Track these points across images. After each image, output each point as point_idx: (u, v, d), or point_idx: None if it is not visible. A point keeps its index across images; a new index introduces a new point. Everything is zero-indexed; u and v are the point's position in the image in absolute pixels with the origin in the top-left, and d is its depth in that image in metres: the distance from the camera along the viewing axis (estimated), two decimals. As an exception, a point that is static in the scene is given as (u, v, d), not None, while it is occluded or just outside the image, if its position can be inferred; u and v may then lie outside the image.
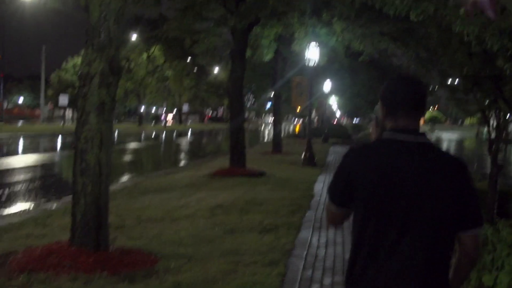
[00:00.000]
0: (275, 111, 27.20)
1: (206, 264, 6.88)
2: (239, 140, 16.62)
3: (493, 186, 8.90)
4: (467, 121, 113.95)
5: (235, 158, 16.68)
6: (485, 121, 8.92)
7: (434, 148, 2.44)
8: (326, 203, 2.67)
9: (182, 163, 24.87)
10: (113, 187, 14.39)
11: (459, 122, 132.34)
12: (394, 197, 2.36)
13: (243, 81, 16.69)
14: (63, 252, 6.73)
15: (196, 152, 33.59)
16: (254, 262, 7.00)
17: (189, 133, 62.16)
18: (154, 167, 22.64)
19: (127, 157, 28.51)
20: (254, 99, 26.24)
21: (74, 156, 6.87)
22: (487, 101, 8.81)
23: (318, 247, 8.09)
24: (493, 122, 9.22)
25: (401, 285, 2.34)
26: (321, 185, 15.26)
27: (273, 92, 26.84)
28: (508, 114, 8.73)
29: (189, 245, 7.86)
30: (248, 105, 26.61)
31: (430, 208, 2.34)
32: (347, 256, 7.55)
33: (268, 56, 19.91)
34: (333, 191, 2.58)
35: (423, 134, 2.45)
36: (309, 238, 8.67)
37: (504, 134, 8.71)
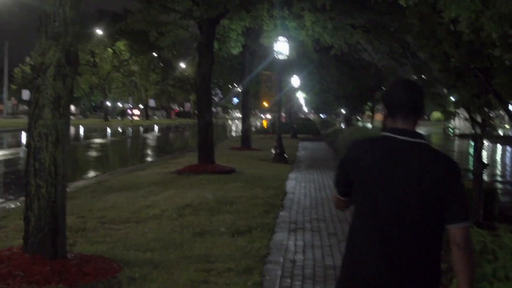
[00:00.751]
0: (243, 106, 26.57)
1: (175, 273, 6.23)
2: (207, 136, 15.96)
3: (478, 185, 8.43)
4: (433, 116, 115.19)
5: (204, 154, 16.02)
6: (469, 115, 8.43)
7: (429, 147, 2.66)
8: (333, 191, 2.95)
9: (149, 159, 24.05)
10: (75, 186, 13.65)
11: (426, 117, 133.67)
12: (388, 190, 2.58)
13: (211, 75, 16.02)
14: (15, 260, 6.02)
15: (164, 148, 32.79)
16: (227, 270, 6.37)
17: (155, 129, 61.12)
18: (120, 164, 21.81)
19: (92, 153, 27.57)
20: (222, 95, 25.49)
21: (26, 155, 6.15)
22: (472, 95, 8.32)
23: (295, 251, 7.50)
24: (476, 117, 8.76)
25: (392, 275, 2.53)
26: (293, 182, 14.70)
27: (241, 87, 26.30)
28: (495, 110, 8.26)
29: (155, 250, 7.20)
30: (216, 100, 25.94)
31: (420, 202, 2.54)
32: (327, 262, 7.00)
33: (235, 50, 19.26)
34: (337, 182, 2.88)
35: (420, 135, 2.66)
36: (285, 241, 8.08)
37: (488, 130, 8.23)
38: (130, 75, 67.45)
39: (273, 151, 20.45)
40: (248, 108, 26.44)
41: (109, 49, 63.52)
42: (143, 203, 10.62)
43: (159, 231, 8.31)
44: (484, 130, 8.45)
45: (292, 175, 16.34)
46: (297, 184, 14.40)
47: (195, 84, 16.33)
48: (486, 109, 8.21)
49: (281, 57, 19.49)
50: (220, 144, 30.94)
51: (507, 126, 65.93)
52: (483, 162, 8.42)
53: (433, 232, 2.57)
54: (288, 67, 29.05)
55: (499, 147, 44.33)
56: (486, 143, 42.76)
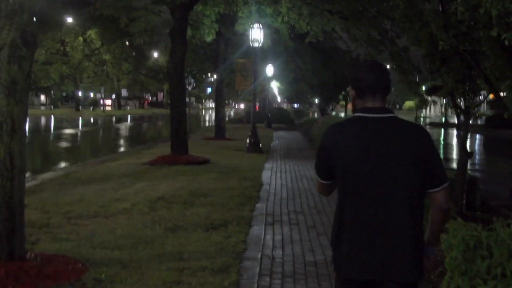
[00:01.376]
0: (217, 95, 26.02)
1: (145, 273, 5.74)
2: (180, 125, 15.42)
3: (461, 176, 8.07)
4: (406, 105, 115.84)
5: (177, 145, 15.49)
6: (453, 103, 8.06)
7: (400, 120, 2.82)
8: (315, 176, 3.03)
9: (121, 150, 23.38)
10: (42, 178, 13.05)
11: (397, 107, 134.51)
12: (368, 165, 2.71)
13: (184, 63, 15.46)
14: (-32, 262, 5.47)
15: (136, 138, 32.11)
16: (202, 269, 5.91)
17: (128, 119, 60.23)
18: (91, 155, 21.15)
19: (62, 144, 26.82)
20: (195, 83, 24.88)
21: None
22: (456, 81, 7.94)
23: (273, 246, 7.05)
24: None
25: (381, 244, 2.69)
26: (269, 173, 14.26)
27: (215, 76, 25.76)
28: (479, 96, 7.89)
29: (125, 247, 6.70)
30: (190, 89, 25.30)
31: (401, 171, 2.69)
32: (308, 257, 6.56)
33: (209, 37, 18.68)
34: (318, 168, 2.96)
35: (389, 110, 2.82)
36: (263, 235, 7.63)
37: (472, 119, 7.87)
38: (102, 64, 66.25)
39: (248, 141, 19.96)
40: (222, 98, 25.90)
41: (80, 38, 62.21)
42: (113, 196, 10.10)
43: (129, 226, 7.80)
44: (468, 118, 8.08)
45: (267, 165, 15.91)
46: (273, 175, 13.97)
47: (168, 72, 15.77)
48: (470, 95, 7.84)
49: (256, 44, 18.98)
50: (193, 134, 30.44)
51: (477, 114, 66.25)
52: (467, 151, 8.05)
53: (417, 199, 2.75)
54: (263, 55, 28.56)
55: (469, 135, 44.46)
56: (456, 131, 42.89)
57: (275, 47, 23.19)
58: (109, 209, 8.96)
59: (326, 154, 2.88)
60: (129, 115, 68.30)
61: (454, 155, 25.67)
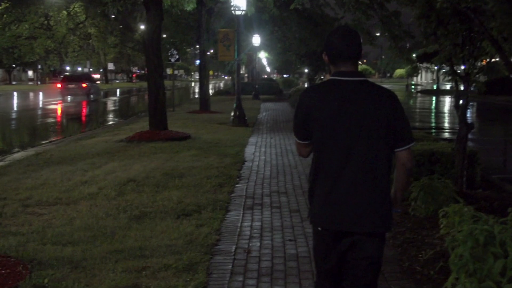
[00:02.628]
0: (201, 67, 24.91)
1: (97, 275, 4.89)
2: (158, 99, 14.48)
3: (461, 150, 7.22)
4: (396, 73, 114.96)
5: (155, 120, 14.57)
6: (451, 69, 7.16)
7: (371, 83, 3.05)
8: (295, 138, 3.24)
9: (100, 126, 22.37)
10: (11, 159, 12.14)
11: (388, 75, 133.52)
12: (341, 124, 2.95)
13: (161, 32, 14.46)
14: None
15: (120, 112, 31.08)
16: (165, 268, 5.07)
17: (115, 93, 59.03)
18: (69, 131, 20.16)
19: (41, 121, 25.80)
20: (177, 55, 23.83)
21: None
22: (454, 45, 7.04)
23: (250, 236, 6.20)
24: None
25: (352, 198, 2.95)
26: (253, 148, 13.37)
27: (197, 47, 24.75)
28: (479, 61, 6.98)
29: (80, 242, 5.84)
30: (173, 61, 24.10)
31: (370, 131, 2.93)
32: (289, 250, 5.60)
33: (189, 6, 17.62)
34: (296, 128, 3.19)
35: (361, 74, 3.04)
36: (239, 222, 6.78)
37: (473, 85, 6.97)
38: (87, 38, 64.55)
39: (232, 114, 19.04)
40: (206, 69, 24.82)
41: (64, 11, 60.49)
42: (80, 179, 9.20)
43: (90, 215, 6.92)
44: (468, 86, 7.19)
45: (252, 140, 15.03)
46: (257, 150, 13.10)
47: (143, 43, 14.76)
48: (471, 61, 6.94)
49: (238, 12, 17.94)
50: (178, 108, 29.51)
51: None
52: (468, 123, 7.18)
53: (385, 156, 2.95)
54: (247, 24, 27.49)
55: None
56: (448, 98, 41.80)
57: (259, 16, 22.13)
58: (72, 195, 8.08)
59: (303, 115, 3.07)
60: (118, 89, 67.00)
61: (447, 123, 24.89)
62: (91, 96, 39.12)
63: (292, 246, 5.85)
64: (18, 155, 13.02)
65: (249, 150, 12.97)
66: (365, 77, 3.05)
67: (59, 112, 30.27)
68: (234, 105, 19.06)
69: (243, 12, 18.31)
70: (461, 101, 7.30)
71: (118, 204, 7.47)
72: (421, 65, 66.63)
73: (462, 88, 7.28)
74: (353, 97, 2.96)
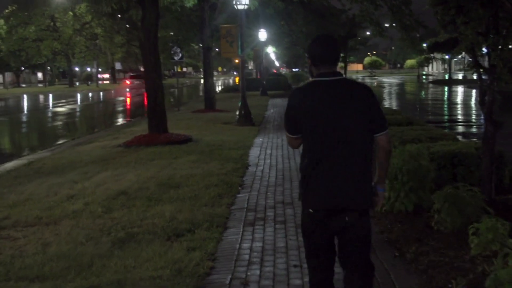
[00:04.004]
0: (205, 64, 24.03)
1: (61, 324, 4.03)
2: (157, 100, 13.65)
3: (489, 153, 6.30)
4: (407, 64, 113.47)
5: (154, 123, 13.76)
6: (474, 60, 6.25)
7: (349, 81, 3.49)
8: (286, 133, 3.62)
9: (101, 129, 21.57)
10: (2, 169, 11.38)
11: (398, 65, 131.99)
12: (326, 119, 3.36)
13: (158, 30, 13.60)
14: None
15: (123, 114, 30.33)
16: (144, 311, 4.20)
17: (122, 93, 58.38)
18: (70, 135, 19.40)
19: (44, 125, 25.11)
20: (181, 53, 23.03)
21: None
22: (477, 33, 6.12)
23: (249, 262, 5.32)
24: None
25: (340, 180, 3.35)
26: (258, 151, 12.48)
27: (201, 44, 23.91)
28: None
29: (51, 276, 5.01)
30: (176, 60, 23.35)
31: (351, 122, 3.35)
32: (293, 280, 4.60)
33: (190, 2, 16.73)
34: (287, 125, 3.58)
35: (339, 73, 3.46)
36: (238, 243, 5.91)
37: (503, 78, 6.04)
38: (94, 38, 63.94)
39: (237, 112, 18.18)
40: (210, 66, 23.92)
41: (70, 12, 59.92)
42: (66, 193, 8.39)
43: (69, 239, 6.08)
44: (493, 78, 6.28)
45: (257, 141, 14.16)
46: (262, 152, 12.23)
47: (139, 41, 13.90)
48: (497, 51, 6.01)
49: (240, 7, 17.06)
50: (184, 106, 28.77)
51: None
52: (496, 122, 6.26)
53: (366, 142, 3.41)
54: (253, 19, 26.65)
55: (473, 91, 42.68)
56: (461, 88, 40.71)
57: (264, 10, 21.22)
58: (54, 213, 7.26)
59: (292, 113, 3.49)
60: (127, 89, 66.39)
61: (462, 115, 23.87)
62: None
63: (297, 274, 4.97)
64: (12, 164, 12.25)
65: (253, 153, 12.11)
66: (343, 76, 3.49)
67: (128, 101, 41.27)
68: (239, 104, 18.20)
69: (246, 7, 17.43)
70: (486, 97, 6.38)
71: (103, 224, 6.62)
72: (432, 55, 65.55)
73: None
74: (334, 95, 3.39)
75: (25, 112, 34.17)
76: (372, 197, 3.46)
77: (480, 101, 6.41)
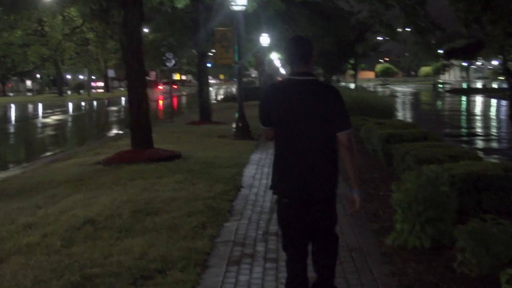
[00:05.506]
0: (200, 71, 23.44)
1: None
2: (141, 112, 12.96)
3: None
4: (422, 72, 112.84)
5: (138, 137, 13.06)
6: (504, 66, 5.54)
7: (317, 82, 4.08)
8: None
9: (85, 142, 20.89)
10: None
11: (412, 74, 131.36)
12: (293, 116, 3.97)
13: (141, 33, 13.01)
14: None
15: (112, 125, 29.76)
16: None
17: (114, 102, 57.89)
18: (51, 149, 18.77)
19: (22, 138, 24.49)
20: (174, 59, 22.44)
21: None
22: (506, 33, 5.41)
23: (228, 317, 4.58)
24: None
25: (305, 173, 3.95)
26: (254, 169, 11.77)
27: (196, 49, 23.33)
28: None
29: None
30: (169, 66, 22.77)
31: (316, 119, 3.93)
32: None
33: (181, 3, 16.12)
34: (260, 117, 4.16)
35: (310, 74, 4.05)
36: (218, 289, 5.17)
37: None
38: (85, 44, 63.48)
39: (234, 125, 17.52)
40: (205, 74, 23.33)
41: (59, 16, 59.42)
42: (25, 221, 7.67)
43: (12, 284, 5.35)
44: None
45: (254, 157, 13.46)
46: (258, 171, 11.53)
47: (121, 46, 13.27)
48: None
49: (237, 8, 16.42)
50: (179, 117, 28.23)
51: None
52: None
53: (329, 138, 3.98)
54: (252, 22, 26.05)
55: (493, 101, 41.95)
56: (481, 98, 40.14)
57: (263, 12, 20.60)
58: (5, 246, 6.56)
59: (265, 107, 4.12)
60: (123, 98, 65.93)
61: (480, 128, 23.11)
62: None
63: None
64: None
65: (248, 172, 11.40)
66: (313, 76, 4.07)
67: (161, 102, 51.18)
68: (236, 115, 17.54)
69: (243, 8, 16.78)
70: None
71: (58, 262, 5.89)
72: (448, 62, 64.77)
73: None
74: (303, 93, 3.94)
75: (5, 123, 33.60)
76: (346, 201, 4.16)
77: (510, 115, 5.68)
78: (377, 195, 8.93)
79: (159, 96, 62.98)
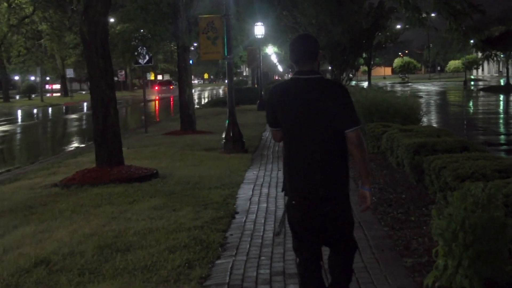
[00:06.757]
0: (180, 68, 23.33)
1: None
2: (108, 121, 12.79)
3: None
4: (450, 66, 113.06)
5: (104, 152, 12.95)
6: None
7: (323, 79, 4.85)
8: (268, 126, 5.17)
9: (37, 159, 20.69)
10: None
11: (438, 69, 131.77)
12: (301, 115, 4.73)
13: (108, 24, 12.83)
14: None
15: (69, 139, 29.65)
16: None
17: (70, 110, 57.84)
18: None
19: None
20: (148, 55, 22.29)
21: None
22: None
23: None
24: None
25: (316, 173, 4.70)
26: (250, 190, 11.59)
27: (174, 42, 23.22)
28: None
29: None
30: (142, 63, 22.65)
31: (323, 117, 4.69)
32: None
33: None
34: (268, 119, 5.02)
35: (317, 72, 4.84)
36: None
37: None
38: (37, 38, 63.38)
39: (224, 135, 17.38)
40: (187, 72, 23.23)
41: (4, 3, 59.27)
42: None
43: None
44: None
45: (250, 175, 13.35)
46: (256, 192, 11.39)
47: (83, 39, 13.07)
48: None
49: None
50: (154, 126, 28.20)
51: None
52: None
53: (338, 137, 4.72)
54: (244, 7, 26.02)
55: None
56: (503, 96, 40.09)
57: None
58: None
59: (271, 107, 4.92)
60: (85, 103, 66.03)
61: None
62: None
63: None
64: None
65: (244, 193, 11.27)
66: (320, 74, 4.89)
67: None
68: (226, 123, 17.39)
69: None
70: None
71: (2, 317, 5.62)
72: (485, 53, 64.91)
73: None
74: (310, 92, 4.75)
75: None
76: (359, 199, 4.83)
77: None
78: (407, 221, 8.75)
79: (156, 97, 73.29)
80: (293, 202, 4.81)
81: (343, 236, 4.90)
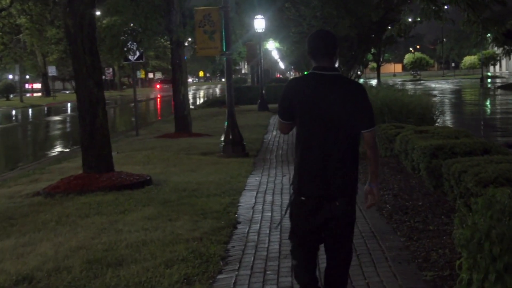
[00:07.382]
0: (174, 66, 23.40)
1: None
2: (96, 123, 12.82)
3: None
4: (465, 62, 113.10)
5: (92, 157, 12.99)
6: None
7: (342, 77, 5.30)
8: (277, 118, 5.46)
9: (17, 165, 20.75)
10: None
11: (453, 65, 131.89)
12: (318, 110, 5.08)
13: (95, 17, 12.84)
14: None
15: (59, 141, 29.71)
16: None
17: (52, 111, 57.99)
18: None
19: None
20: (139, 51, 22.43)
21: None
22: None
23: None
24: None
25: (330, 171, 5.05)
26: (253, 197, 11.66)
27: (168, 36, 23.30)
28: None
29: None
30: (132, 60, 22.81)
31: (341, 115, 5.05)
32: None
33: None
34: (281, 111, 5.36)
35: (336, 69, 5.21)
36: None
37: None
38: (15, 32, 63.49)
39: (223, 138, 17.43)
40: (181, 70, 23.31)
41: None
42: None
43: None
44: None
45: (252, 181, 13.44)
46: (259, 200, 11.49)
47: (67, 33, 13.12)
48: None
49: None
50: (147, 129, 28.35)
51: None
52: None
53: (353, 136, 5.12)
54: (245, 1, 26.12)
55: None
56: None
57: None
58: None
59: (287, 101, 5.25)
60: (69, 104, 66.28)
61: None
62: None
63: None
64: None
65: (246, 201, 11.37)
66: (338, 71, 5.28)
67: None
68: (225, 124, 17.44)
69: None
70: None
71: None
72: (503, 48, 64.74)
73: None
74: (328, 88, 5.09)
75: None
76: (366, 195, 5.24)
77: None
78: (426, 231, 8.78)
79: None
80: (302, 198, 5.11)
81: (344, 234, 5.23)
